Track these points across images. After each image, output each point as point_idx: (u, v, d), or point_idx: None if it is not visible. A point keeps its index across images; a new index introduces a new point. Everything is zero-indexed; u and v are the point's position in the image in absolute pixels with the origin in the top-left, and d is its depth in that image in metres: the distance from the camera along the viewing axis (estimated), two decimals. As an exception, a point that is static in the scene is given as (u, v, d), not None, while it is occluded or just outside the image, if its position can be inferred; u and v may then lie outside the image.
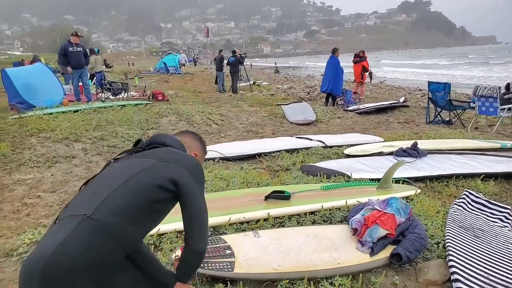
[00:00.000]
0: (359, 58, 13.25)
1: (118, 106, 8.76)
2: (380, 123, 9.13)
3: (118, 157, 1.62)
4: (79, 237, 1.22)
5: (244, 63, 16.40)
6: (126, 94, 10.83)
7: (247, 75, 17.57)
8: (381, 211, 3.07)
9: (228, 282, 2.52)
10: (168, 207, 1.53)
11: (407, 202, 3.86)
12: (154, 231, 2.99)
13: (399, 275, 2.84)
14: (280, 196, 3.60)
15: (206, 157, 5.10)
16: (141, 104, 9.27)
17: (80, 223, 1.23)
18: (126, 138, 6.61)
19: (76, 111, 8.17)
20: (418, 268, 2.91)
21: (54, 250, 1.18)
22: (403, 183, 4.32)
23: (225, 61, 16.27)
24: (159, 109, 8.59)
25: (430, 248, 3.11)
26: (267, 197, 3.58)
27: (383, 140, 6.62)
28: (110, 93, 10.56)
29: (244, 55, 16.86)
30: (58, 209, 3.84)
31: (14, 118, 7.30)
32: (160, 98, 10.92)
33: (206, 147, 1.97)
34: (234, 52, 16.42)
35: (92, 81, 11.88)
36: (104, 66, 24.15)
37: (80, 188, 1.52)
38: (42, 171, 5.06)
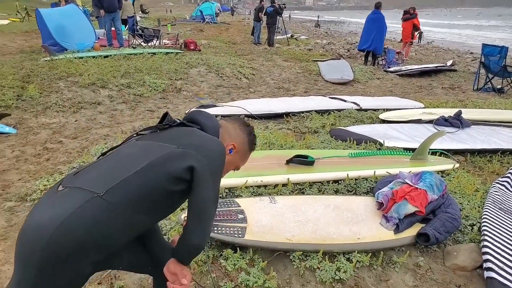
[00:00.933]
0: (409, 15, 12.26)
1: (149, 53, 8.59)
2: (422, 87, 8.52)
3: (142, 133, 1.45)
4: (87, 215, 1.12)
5: (283, 15, 15.64)
6: (158, 41, 10.59)
7: (285, 28, 16.84)
8: (412, 186, 2.80)
9: (238, 248, 2.38)
10: (184, 197, 1.35)
11: (443, 177, 3.55)
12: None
13: (424, 256, 2.62)
14: (303, 161, 3.36)
15: (228, 113, 5.07)
16: (171, 53, 9.04)
17: (88, 201, 1.14)
18: (153, 88, 6.48)
19: (107, 56, 8.07)
20: (447, 251, 2.66)
21: (59, 225, 1.08)
22: (440, 156, 3.96)
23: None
24: (189, 59, 8.35)
25: (463, 230, 2.84)
26: (288, 161, 3.36)
27: (423, 106, 6.14)
28: (141, 40, 10.35)
29: (283, 5, 16.03)
30: (77, 156, 3.80)
31: (46, 60, 7.28)
32: (192, 47, 10.62)
33: (255, 143, 1.69)
34: (272, 2, 15.66)
35: (125, 27, 11.70)
36: (140, 12, 23.99)
37: (98, 157, 1.38)
38: (67, 116, 5.04)
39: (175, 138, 1.34)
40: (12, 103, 5.17)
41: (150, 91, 6.35)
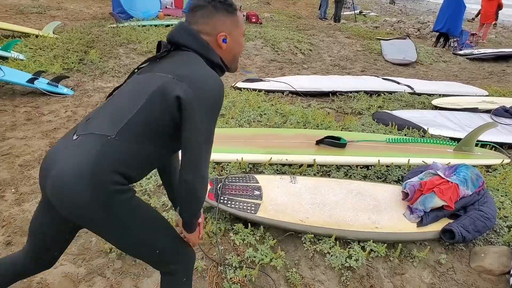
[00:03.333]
0: None
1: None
2: (493, 73, 7.78)
3: (142, 66, 1.45)
4: (108, 155, 1.22)
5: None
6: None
7: (353, 3, 16.08)
8: (443, 179, 2.62)
9: (249, 224, 2.41)
10: None
11: (488, 171, 3.28)
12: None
13: (448, 254, 2.48)
14: (334, 143, 3.27)
15: (273, 88, 5.03)
16: (231, 24, 9.06)
17: (104, 144, 1.22)
18: (206, 58, 6.57)
19: (168, 25, 8.29)
20: (474, 251, 2.49)
21: (91, 170, 1.19)
22: (491, 149, 3.64)
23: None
24: (247, 32, 8.31)
25: (498, 230, 2.64)
26: (319, 142, 3.28)
27: (487, 94, 5.62)
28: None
29: (353, -21, 15.30)
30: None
31: (111, 27, 7.66)
32: (253, 20, 10.56)
33: (241, 12, 1.53)
34: (342, -24, 14.98)
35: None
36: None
37: (107, 97, 1.44)
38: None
39: (173, 68, 1.31)
40: (74, 66, 5.54)
41: (203, 62, 6.46)
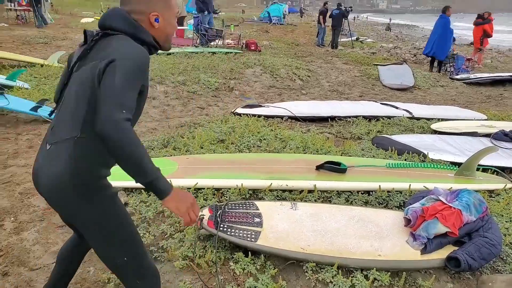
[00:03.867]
0: (481, 20, 11.38)
1: (209, 52, 8.84)
2: (491, 97, 7.85)
3: (77, 62, 1.42)
4: (83, 153, 1.31)
5: (349, 17, 15.29)
6: (220, 41, 10.85)
7: (350, 30, 16.43)
8: (446, 204, 2.58)
9: (250, 252, 2.37)
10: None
11: (491, 196, 3.25)
12: (191, 183, 2.94)
13: (454, 283, 2.41)
14: (334, 168, 3.25)
15: (272, 113, 5.07)
16: (231, 52, 9.23)
17: (75, 144, 1.30)
18: (206, 86, 6.66)
19: (170, 54, 8.44)
20: (482, 280, 2.43)
21: (72, 170, 1.30)
22: (493, 173, 3.62)
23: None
24: (246, 60, 8.45)
25: (505, 258, 2.59)
26: (319, 167, 3.27)
27: (485, 118, 5.65)
28: (204, 39, 10.67)
29: (349, 8, 15.71)
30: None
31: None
32: (252, 48, 10.75)
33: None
34: (339, 5, 15.41)
35: (192, 26, 12.15)
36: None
37: (57, 100, 1.50)
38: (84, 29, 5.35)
39: (101, 53, 1.32)
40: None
41: (204, 89, 6.53)
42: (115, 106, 1.18)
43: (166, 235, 2.58)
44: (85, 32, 1.41)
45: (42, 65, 6.74)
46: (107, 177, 1.43)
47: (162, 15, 1.45)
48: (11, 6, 15.17)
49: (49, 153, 1.35)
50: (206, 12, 10.28)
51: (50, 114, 1.54)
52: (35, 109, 4.58)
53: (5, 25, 13.29)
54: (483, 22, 11.36)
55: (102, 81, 1.24)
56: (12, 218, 2.77)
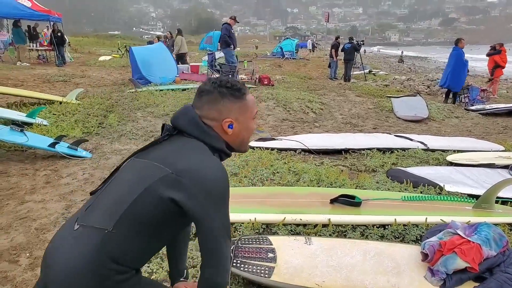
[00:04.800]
0: (492, 51, 11.45)
1: (223, 88, 9.01)
2: (508, 128, 7.75)
3: (143, 149, 1.40)
4: (106, 249, 1.19)
5: (361, 51, 15.52)
6: (234, 76, 11.12)
7: (362, 63, 16.65)
8: (464, 238, 2.52)
9: (263, 288, 2.34)
10: (187, 217, 1.30)
11: (511, 230, 3.15)
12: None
13: (476, 320, 2.31)
14: (349, 202, 3.23)
15: (285, 146, 5.09)
16: (244, 87, 9.40)
17: (103, 238, 1.19)
18: (220, 120, 6.75)
19: (184, 89, 8.66)
20: (504, 317, 2.32)
21: (87, 266, 1.17)
22: (513, 206, 3.53)
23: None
24: (259, 94, 8.61)
25: (528, 294, 2.46)
26: (333, 200, 3.25)
27: (503, 149, 5.56)
28: (218, 75, 10.96)
29: (361, 42, 15.98)
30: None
31: (130, 92, 8.03)
32: (266, 82, 10.97)
33: (249, 94, 1.41)
34: (351, 38, 15.76)
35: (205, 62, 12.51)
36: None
37: (105, 181, 1.38)
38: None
39: (172, 157, 1.26)
40: (93, 130, 5.76)
41: (217, 123, 6.63)
42: (226, 255, 1.25)
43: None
44: (163, 125, 1.37)
45: (60, 102, 6.97)
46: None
47: (237, 120, 1.35)
48: (32, 46, 15.87)
49: (75, 234, 1.23)
50: (232, 47, 10.47)
51: (93, 193, 1.38)
52: (52, 145, 4.71)
53: (27, 64, 13.89)
54: (493, 53, 11.43)
55: (198, 222, 1.21)
56: (28, 254, 2.80)
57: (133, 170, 1.31)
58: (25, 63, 13.97)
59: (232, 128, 1.35)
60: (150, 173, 1.24)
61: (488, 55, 11.63)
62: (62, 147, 4.83)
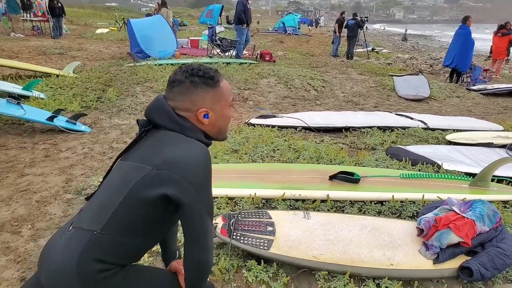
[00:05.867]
0: (506, 31, 11.24)
1: (223, 63, 8.94)
2: (508, 108, 7.74)
3: (125, 151, 1.39)
4: (94, 250, 1.21)
5: (364, 27, 15.25)
6: (235, 51, 10.98)
7: (365, 41, 16.43)
8: (459, 214, 2.57)
9: (262, 260, 2.39)
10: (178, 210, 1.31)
11: (505, 207, 3.21)
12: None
13: (467, 292, 2.38)
14: (348, 178, 3.26)
15: (286, 124, 5.10)
16: (245, 63, 9.32)
17: (91, 239, 1.21)
18: (220, 96, 6.72)
19: (184, 64, 8.56)
20: (494, 290, 2.40)
21: (76, 266, 1.19)
22: (508, 184, 3.57)
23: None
24: (261, 70, 8.54)
25: (518, 269, 2.53)
26: (332, 177, 3.28)
27: (502, 129, 5.57)
28: (219, 50, 10.83)
29: (365, 18, 15.68)
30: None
31: (128, 66, 7.95)
32: (267, 58, 10.86)
33: (223, 81, 1.36)
34: (355, 15, 15.45)
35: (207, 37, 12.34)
36: (226, 23, 25.08)
37: (101, 182, 1.39)
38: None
39: (151, 154, 1.25)
40: (92, 104, 5.74)
41: (218, 99, 6.60)
42: (210, 233, 1.26)
43: (180, 243, 2.61)
44: (138, 121, 1.35)
45: (57, 76, 6.88)
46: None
47: (212, 109, 1.31)
48: (26, 16, 15.31)
49: (67, 236, 1.25)
50: (245, 25, 10.04)
51: (88, 198, 1.39)
52: (51, 119, 4.69)
53: (22, 35, 13.63)
54: (508, 33, 11.24)
55: (183, 208, 1.20)
56: (29, 226, 2.84)
57: (118, 173, 1.31)
58: (19, 34, 13.66)
59: (208, 118, 1.32)
60: (132, 175, 1.24)
61: (502, 34, 11.41)
62: (61, 121, 4.81)
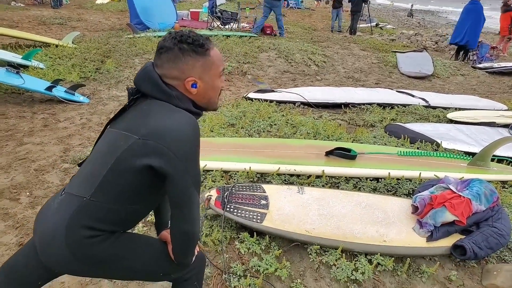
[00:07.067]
0: (506, 7, 10.96)
1: (223, 36, 8.78)
2: (513, 87, 7.64)
3: (114, 118, 1.36)
4: (83, 216, 1.22)
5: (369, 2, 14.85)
6: (236, 24, 10.77)
7: (369, 16, 16.06)
8: (455, 193, 2.55)
9: (255, 233, 2.40)
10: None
11: (504, 187, 3.20)
12: (201, 165, 2.97)
13: (459, 271, 2.41)
14: (344, 154, 3.24)
15: (284, 99, 5.04)
16: (246, 36, 9.14)
17: (80, 205, 1.22)
18: (219, 69, 6.63)
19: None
20: (487, 268, 2.42)
21: (66, 231, 1.21)
22: (508, 164, 3.55)
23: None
24: (261, 44, 8.39)
25: (513, 248, 2.55)
26: (328, 153, 3.26)
27: (506, 108, 5.50)
28: (219, 22, 10.60)
29: (369, -8, 15.25)
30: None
31: (128, 38, 7.82)
32: (268, 32, 10.64)
33: (213, 50, 1.29)
34: (358, -12, 14.98)
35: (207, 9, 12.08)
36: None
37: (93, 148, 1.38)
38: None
39: (138, 123, 1.22)
40: (91, 75, 5.68)
41: (216, 73, 6.51)
42: (196, 204, 1.25)
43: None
44: (127, 89, 1.31)
45: (56, 46, 6.79)
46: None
47: (201, 78, 1.26)
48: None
49: (58, 201, 1.27)
50: (279, 1, 9.71)
51: (80, 165, 1.39)
52: (49, 88, 4.66)
53: (22, 5, 13.45)
54: (508, 9, 10.95)
55: (170, 179, 1.18)
56: (28, 193, 2.87)
57: (107, 140, 1.29)
58: (19, 4, 13.49)
59: (196, 88, 1.27)
60: (119, 143, 1.22)
61: (503, 11, 11.12)
62: (59, 91, 4.78)
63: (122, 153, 1.19)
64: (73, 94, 4.87)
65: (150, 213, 1.72)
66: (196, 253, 1.49)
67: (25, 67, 5.49)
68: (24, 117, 4.29)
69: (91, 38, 8.02)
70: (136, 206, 1.29)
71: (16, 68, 4.73)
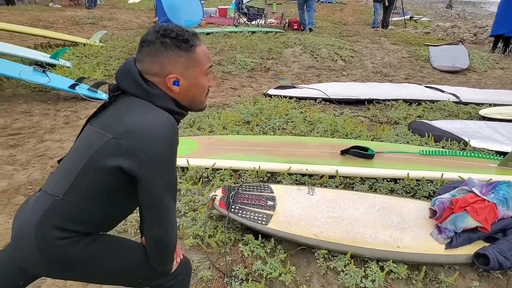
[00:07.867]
0: None
1: (249, 32, 8.70)
2: (558, 82, 7.10)
3: (94, 115, 1.30)
4: (55, 215, 1.17)
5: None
6: (262, 20, 10.65)
7: (403, 8, 15.48)
8: (479, 196, 2.35)
9: (260, 235, 2.30)
10: None
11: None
12: (209, 164, 2.90)
13: (482, 281, 2.22)
14: (361, 154, 3.07)
15: (305, 95, 4.90)
16: (271, 32, 9.02)
17: (52, 203, 1.18)
18: (242, 66, 6.57)
19: (209, 33, 8.42)
20: (513, 280, 2.21)
21: (36, 229, 1.17)
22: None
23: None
24: (286, 39, 8.24)
25: (543, 258, 2.31)
26: (344, 152, 3.11)
27: (547, 104, 5.10)
28: (246, 18, 10.53)
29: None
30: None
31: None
32: (295, 27, 10.46)
33: (200, 46, 1.22)
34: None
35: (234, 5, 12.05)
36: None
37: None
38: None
39: (113, 121, 1.17)
40: (114, 73, 5.75)
41: (239, 69, 6.45)
42: (172, 213, 1.21)
43: (180, 213, 2.58)
44: (108, 86, 1.26)
45: (84, 44, 6.98)
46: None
47: (184, 75, 1.19)
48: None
49: (34, 199, 1.24)
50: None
51: (59, 161, 1.33)
52: (72, 86, 4.76)
53: (59, 6, 13.97)
54: None
55: (141, 184, 1.13)
56: (42, 189, 2.91)
57: (84, 138, 1.24)
58: (56, 5, 14.06)
59: (179, 86, 1.20)
60: (94, 142, 1.16)
61: None
62: (82, 89, 4.88)
63: (95, 152, 1.14)
64: (96, 92, 4.96)
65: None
66: (177, 260, 1.42)
67: (53, 66, 5.67)
68: (48, 114, 4.40)
69: (118, 36, 8.17)
70: (110, 208, 1.23)
71: (43, 67, 4.90)
